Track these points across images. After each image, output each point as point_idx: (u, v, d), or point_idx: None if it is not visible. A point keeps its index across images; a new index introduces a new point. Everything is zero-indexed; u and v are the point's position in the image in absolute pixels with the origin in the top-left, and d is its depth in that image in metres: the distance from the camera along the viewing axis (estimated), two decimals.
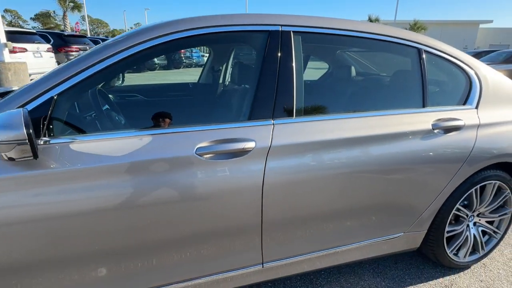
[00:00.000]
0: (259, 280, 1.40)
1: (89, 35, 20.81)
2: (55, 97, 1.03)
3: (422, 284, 1.73)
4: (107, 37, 13.49)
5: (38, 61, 7.89)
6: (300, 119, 1.28)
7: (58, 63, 8.94)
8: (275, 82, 1.26)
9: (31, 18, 50.42)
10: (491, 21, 52.16)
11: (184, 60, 17.96)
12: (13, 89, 1.81)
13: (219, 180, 1.14)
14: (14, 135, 0.82)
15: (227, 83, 1.53)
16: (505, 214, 1.83)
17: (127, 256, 1.11)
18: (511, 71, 7.40)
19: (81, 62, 1.08)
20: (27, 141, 0.83)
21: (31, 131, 0.83)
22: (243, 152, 1.16)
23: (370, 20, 37.32)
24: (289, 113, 1.27)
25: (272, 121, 1.24)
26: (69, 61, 1.10)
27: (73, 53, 9.72)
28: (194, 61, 20.13)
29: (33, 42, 7.95)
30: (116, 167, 1.02)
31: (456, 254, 1.79)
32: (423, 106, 1.54)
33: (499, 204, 1.80)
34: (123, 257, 1.10)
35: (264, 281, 1.43)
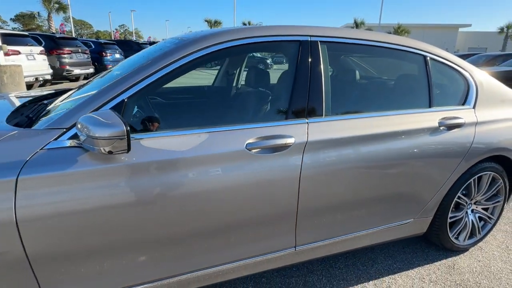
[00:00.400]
0: (291, 262, 1.57)
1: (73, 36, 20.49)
2: (126, 100, 1.17)
3: (428, 265, 1.93)
4: (98, 38, 13.31)
5: (31, 63, 7.82)
6: (329, 118, 1.46)
7: (51, 66, 8.86)
8: (307, 85, 1.44)
9: (11, 19, 48.97)
10: (469, 25, 54.20)
11: None
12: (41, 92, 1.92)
13: (265, 171, 1.30)
14: (116, 132, 0.96)
15: (268, 86, 1.71)
16: (498, 201, 2.07)
17: (196, 237, 1.26)
18: (491, 73, 7.84)
19: (145, 69, 1.23)
20: (125, 136, 0.97)
21: (128, 128, 0.97)
22: (284, 147, 1.33)
23: (356, 23, 38.16)
24: (319, 113, 1.45)
25: (307, 120, 1.42)
26: (136, 68, 1.24)
27: (65, 55, 9.63)
28: None
29: (26, 45, 7.88)
30: (181, 160, 1.17)
31: (457, 238, 2.01)
32: (430, 106, 1.76)
33: (493, 193, 2.04)
34: (191, 238, 1.25)
35: (295, 263, 1.60)
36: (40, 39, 9.25)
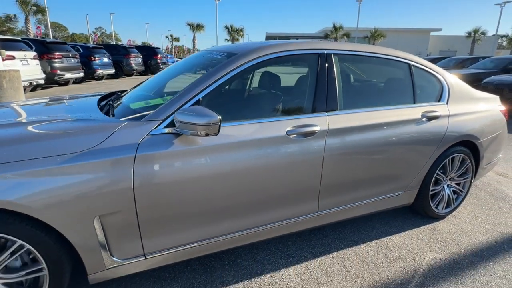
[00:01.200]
0: (314, 224, 2.02)
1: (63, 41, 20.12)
2: (201, 99, 1.58)
3: (415, 229, 2.44)
4: (87, 43, 13.16)
5: (25, 68, 7.90)
6: (342, 111, 1.93)
7: (44, 72, 8.92)
8: (326, 86, 1.90)
9: None
10: (440, 29, 57.06)
11: (161, 66, 18.07)
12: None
13: (299, 151, 1.75)
14: (212, 120, 1.37)
15: (297, 87, 2.16)
16: (467, 178, 2.61)
17: (254, 202, 1.68)
18: (460, 75, 8.68)
19: (211, 77, 1.64)
20: (218, 123, 1.38)
21: (220, 117, 1.39)
22: (312, 133, 1.78)
23: (335, 27, 39.50)
24: (335, 107, 1.91)
25: (326, 113, 1.88)
26: (205, 75, 1.65)
27: (56, 60, 9.69)
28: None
29: (20, 50, 7.95)
30: (243, 142, 1.60)
31: (436, 207, 2.54)
32: (414, 103, 2.26)
33: (463, 171, 2.58)
34: (242, 208, 1.67)
35: (317, 226, 2.05)
36: (31, 43, 9.29)
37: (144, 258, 1.55)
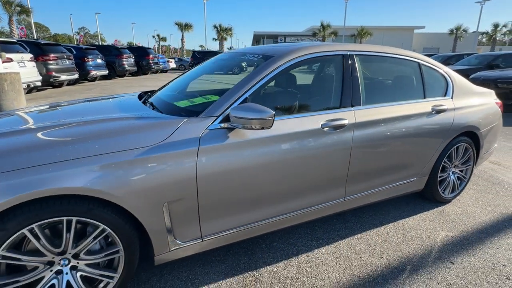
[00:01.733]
0: (341, 209, 2.24)
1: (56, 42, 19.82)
2: (248, 97, 1.77)
3: (426, 212, 2.69)
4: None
5: (23, 71, 7.85)
6: (365, 106, 2.15)
7: (40, 74, 8.86)
8: (350, 84, 2.12)
9: None
10: (423, 27, 58.36)
11: (153, 66, 18.02)
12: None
13: (332, 143, 1.96)
14: (267, 115, 1.55)
15: (326, 85, 2.36)
16: (469, 165, 2.89)
17: (290, 191, 1.88)
18: None
19: (254, 77, 1.83)
20: (272, 118, 1.57)
21: (274, 112, 1.58)
22: (342, 126, 1.99)
23: (323, 26, 40.02)
24: (359, 103, 2.13)
25: (352, 108, 2.09)
26: (246, 77, 1.83)
27: (51, 61, 9.62)
28: (161, 66, 20.24)
29: (17, 52, 7.89)
30: (286, 135, 1.79)
31: (443, 192, 2.80)
32: (424, 98, 2.51)
33: (466, 159, 2.85)
34: (293, 192, 1.87)
35: (343, 211, 2.27)
36: (25, 45, 9.19)
37: (201, 240, 1.73)
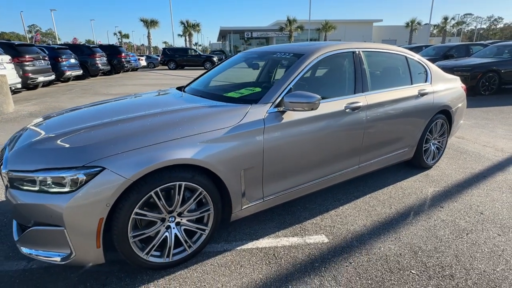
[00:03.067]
0: (356, 175, 2.81)
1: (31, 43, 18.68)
2: (292, 87, 2.26)
3: (414, 176, 3.37)
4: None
5: (2, 73, 7.62)
6: (372, 92, 2.73)
7: (19, 75, 8.62)
8: (361, 74, 2.68)
9: None
10: (381, 20, 61.43)
11: (126, 65, 17.70)
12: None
13: (352, 121, 2.51)
14: (316, 99, 2.05)
15: (344, 75, 2.88)
16: (445, 137, 3.61)
17: (324, 161, 2.40)
18: None
19: (294, 71, 2.32)
20: (319, 101, 2.07)
21: (320, 97, 2.08)
22: (358, 108, 2.55)
23: (289, 20, 40.94)
24: (367, 89, 2.70)
25: (363, 93, 2.66)
26: (287, 72, 2.32)
27: (27, 63, 9.34)
28: (132, 65, 19.89)
29: None
30: (320, 116, 2.31)
31: (427, 160, 3.49)
32: (412, 84, 3.15)
33: (442, 132, 3.57)
34: (325, 160, 2.40)
35: (357, 176, 2.85)
36: None
37: (262, 200, 2.22)
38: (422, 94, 3.15)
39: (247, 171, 2.04)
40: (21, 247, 1.74)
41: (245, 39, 60.31)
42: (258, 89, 2.51)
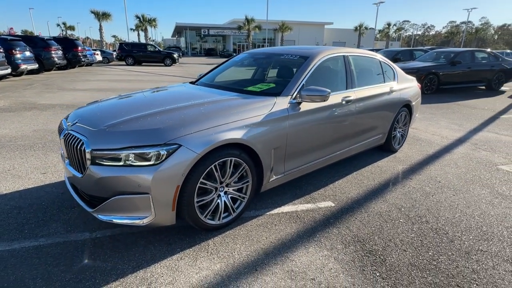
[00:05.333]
0: (349, 154, 3.46)
1: None
2: (304, 83, 2.81)
3: (386, 158, 4.14)
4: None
5: None
6: (358, 88, 3.39)
7: None
8: (350, 74, 3.33)
9: None
10: (332, 23, 65.08)
11: (83, 60, 16.82)
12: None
13: (347, 110, 3.14)
14: (328, 93, 2.60)
15: (339, 74, 3.45)
16: (407, 126, 4.45)
17: (326, 143, 2.99)
18: None
19: (304, 71, 2.86)
20: (329, 95, 2.63)
21: (330, 91, 2.64)
22: (350, 101, 3.18)
23: (247, 19, 41.58)
24: (354, 86, 3.36)
25: (352, 89, 3.30)
26: (299, 70, 2.85)
27: None
28: (89, 59, 18.94)
29: None
30: (326, 106, 2.89)
31: (394, 145, 4.30)
32: (384, 82, 3.90)
33: (405, 122, 4.40)
34: (327, 143, 2.98)
35: (349, 156, 3.50)
36: None
37: (283, 175, 2.74)
38: (392, 91, 3.92)
39: (275, 150, 2.54)
40: (99, 215, 2.05)
41: (201, 36, 59.71)
42: (272, 85, 3.02)
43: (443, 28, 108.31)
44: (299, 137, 2.71)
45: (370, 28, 58.06)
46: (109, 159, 1.96)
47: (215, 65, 3.89)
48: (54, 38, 15.66)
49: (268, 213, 2.65)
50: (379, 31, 64.71)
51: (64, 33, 60.36)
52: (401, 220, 2.57)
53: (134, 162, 1.93)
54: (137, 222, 2.01)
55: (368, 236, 2.34)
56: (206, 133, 2.09)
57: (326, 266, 1.99)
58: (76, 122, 2.28)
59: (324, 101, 2.67)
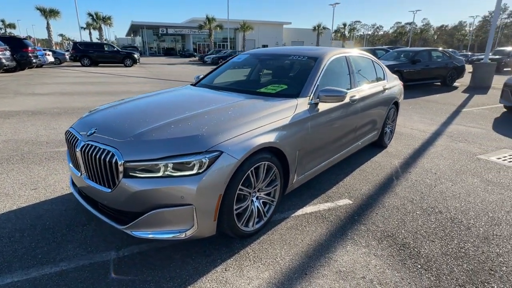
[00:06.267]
0: (353, 151, 3.57)
1: None
2: (318, 83, 2.83)
3: (379, 154, 4.34)
4: None
5: None
6: (359, 87, 3.51)
7: None
8: (352, 74, 3.43)
9: None
10: (290, 23, 66.56)
11: (34, 61, 15.39)
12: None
13: (354, 110, 3.23)
14: (344, 93, 2.63)
15: (344, 74, 3.51)
16: (395, 122, 4.71)
17: (338, 142, 3.05)
18: None
19: (316, 73, 2.89)
20: (346, 95, 2.67)
21: (346, 91, 2.68)
22: (355, 100, 3.28)
23: (208, 19, 40.92)
24: (356, 85, 3.47)
25: (355, 88, 3.41)
26: (312, 72, 2.87)
27: None
28: (40, 60, 17.41)
29: None
30: (338, 106, 2.95)
31: (385, 140, 4.52)
32: (377, 81, 4.08)
33: (393, 118, 4.64)
34: (339, 141, 3.04)
35: (352, 153, 3.61)
36: None
37: (303, 175, 2.74)
38: (385, 89, 4.11)
39: (299, 151, 2.54)
40: (133, 232, 1.89)
41: (159, 35, 57.73)
42: (284, 86, 3.00)
43: (391, 28, 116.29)
44: (318, 138, 2.74)
45: (327, 28, 60.40)
46: (144, 170, 1.82)
47: (213, 68, 3.79)
48: (0, 38, 14.08)
49: (293, 215, 2.65)
50: (335, 31, 67.57)
51: (3, 31, 54.56)
52: (417, 212, 2.71)
53: (174, 172, 1.81)
54: (179, 235, 1.88)
55: (395, 230, 2.43)
56: (243, 138, 2.02)
57: (370, 263, 2.04)
58: (95, 132, 2.08)
59: (341, 101, 2.72)
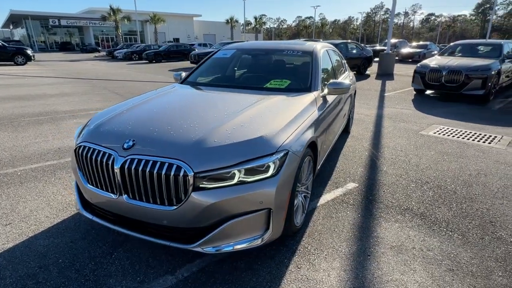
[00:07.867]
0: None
1: None
2: (322, 77, 2.97)
3: (348, 139, 4.78)
4: None
5: None
6: (338, 80, 3.78)
7: None
8: (334, 65, 3.69)
9: None
10: (200, 15, 65.36)
11: None
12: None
13: (341, 99, 3.49)
14: (349, 86, 2.82)
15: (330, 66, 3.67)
16: (353, 108, 5.23)
17: (334, 130, 3.26)
18: None
19: (317, 66, 3.02)
20: (350, 87, 2.85)
21: (351, 83, 2.86)
22: (350, 92, 3.55)
23: (112, 10, 37.00)
24: (336, 77, 3.74)
25: (338, 79, 3.68)
26: (314, 66, 2.98)
27: None
28: None
29: None
30: (337, 97, 3.15)
31: (350, 126, 4.99)
32: (344, 72, 4.46)
33: (352, 104, 5.15)
34: (336, 128, 3.25)
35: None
36: None
37: (320, 164, 2.88)
38: (351, 79, 4.53)
39: (323, 142, 2.65)
40: (205, 248, 1.73)
41: (49, 27, 49.79)
42: (287, 81, 3.05)
43: (293, 22, 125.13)
44: (328, 127, 2.90)
45: (238, 22, 61.35)
46: (214, 179, 1.67)
47: (196, 65, 3.55)
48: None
49: (319, 204, 2.76)
50: (247, 24, 69.21)
51: None
52: (412, 185, 3.14)
53: (247, 178, 1.71)
54: (255, 242, 1.80)
55: (407, 203, 2.78)
56: (296, 135, 2.03)
57: (409, 235, 2.30)
58: (134, 144, 1.78)
59: (346, 93, 2.93)
